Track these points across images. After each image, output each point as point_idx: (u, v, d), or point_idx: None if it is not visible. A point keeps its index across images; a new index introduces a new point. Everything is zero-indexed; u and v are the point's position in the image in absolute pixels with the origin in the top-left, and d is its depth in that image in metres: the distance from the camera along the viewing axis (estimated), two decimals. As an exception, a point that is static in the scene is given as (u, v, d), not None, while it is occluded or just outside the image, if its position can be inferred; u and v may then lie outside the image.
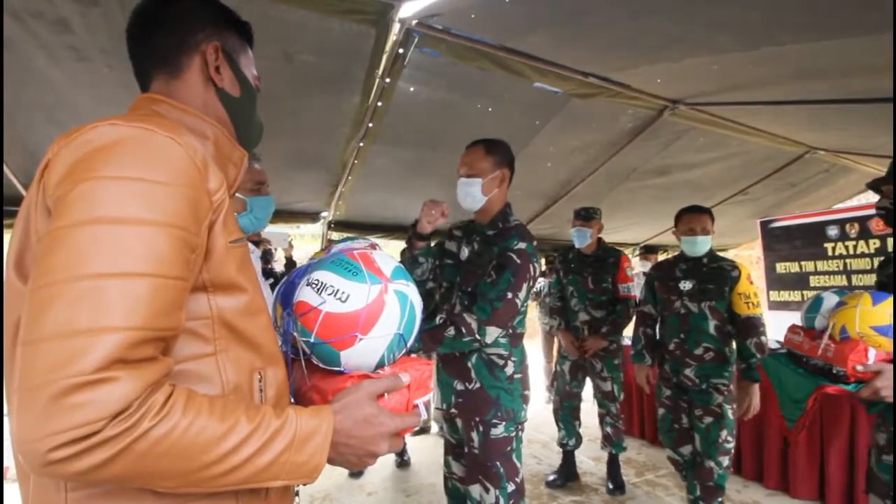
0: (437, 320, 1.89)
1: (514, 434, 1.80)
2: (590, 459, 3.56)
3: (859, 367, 1.48)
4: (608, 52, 2.22)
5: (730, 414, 2.31)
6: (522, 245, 1.73)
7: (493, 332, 1.67)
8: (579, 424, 3.24)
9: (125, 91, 2.09)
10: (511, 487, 1.76)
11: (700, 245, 2.41)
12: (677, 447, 2.53)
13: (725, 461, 2.33)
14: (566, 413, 3.23)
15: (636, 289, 3.14)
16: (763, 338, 2.28)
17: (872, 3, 1.54)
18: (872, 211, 3.86)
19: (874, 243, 3.86)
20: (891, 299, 1.59)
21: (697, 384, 2.37)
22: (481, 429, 1.76)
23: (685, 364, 2.41)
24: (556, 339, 5.55)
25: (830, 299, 1.73)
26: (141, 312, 0.51)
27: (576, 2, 1.80)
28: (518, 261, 1.69)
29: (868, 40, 1.77)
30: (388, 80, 2.33)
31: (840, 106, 2.54)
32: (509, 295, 1.66)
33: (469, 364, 1.80)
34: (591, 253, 3.18)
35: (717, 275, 2.39)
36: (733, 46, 1.99)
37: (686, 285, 2.44)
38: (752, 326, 2.29)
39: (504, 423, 1.77)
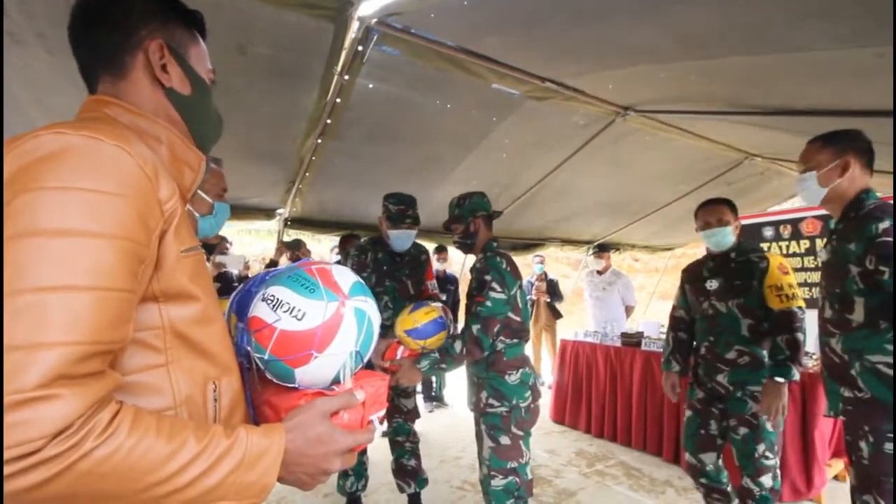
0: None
1: None
2: (543, 452, 3.67)
3: (387, 363, 2.08)
4: (562, 56, 2.29)
5: (768, 426, 2.03)
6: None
7: None
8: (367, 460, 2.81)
9: (66, 78, 1.96)
10: None
11: (717, 237, 2.19)
12: (698, 452, 2.21)
13: (767, 480, 2.02)
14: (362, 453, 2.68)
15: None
16: (798, 334, 1.97)
17: (797, 24, 1.67)
18: (804, 214, 4.19)
19: (804, 244, 4.21)
20: (421, 309, 2.09)
21: (731, 391, 2.10)
22: (871, 439, 1.56)
23: (717, 370, 2.15)
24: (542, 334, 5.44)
25: None
26: (84, 326, 0.50)
27: (530, 9, 1.84)
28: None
29: (794, 56, 1.92)
30: (346, 76, 2.30)
31: (772, 118, 2.72)
32: None
33: (853, 372, 1.61)
34: (405, 251, 2.55)
35: (744, 269, 2.13)
36: (677, 55, 2.10)
37: (712, 284, 2.21)
38: (785, 321, 2.00)
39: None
